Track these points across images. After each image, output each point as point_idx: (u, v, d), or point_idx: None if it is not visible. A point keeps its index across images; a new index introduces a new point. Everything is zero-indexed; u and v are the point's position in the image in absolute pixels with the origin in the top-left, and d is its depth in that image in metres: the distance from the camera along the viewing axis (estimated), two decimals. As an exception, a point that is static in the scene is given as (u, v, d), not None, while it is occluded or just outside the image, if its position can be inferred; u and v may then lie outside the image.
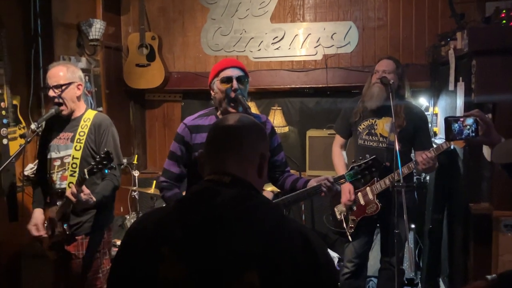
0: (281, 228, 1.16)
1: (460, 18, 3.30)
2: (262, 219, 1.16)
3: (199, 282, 1.10)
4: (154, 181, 4.06)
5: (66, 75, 2.71)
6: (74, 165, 2.69)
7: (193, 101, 4.78)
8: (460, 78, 3.17)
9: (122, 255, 1.24)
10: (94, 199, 2.57)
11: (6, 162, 2.71)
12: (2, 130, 3.17)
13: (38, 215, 2.79)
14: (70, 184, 2.65)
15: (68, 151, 2.73)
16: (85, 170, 2.46)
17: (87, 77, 3.99)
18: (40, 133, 2.88)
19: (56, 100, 2.71)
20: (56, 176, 2.75)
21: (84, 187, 2.50)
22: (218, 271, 1.09)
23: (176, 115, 4.90)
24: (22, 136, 3.08)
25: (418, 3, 4.26)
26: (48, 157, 2.78)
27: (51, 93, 2.70)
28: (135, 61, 4.52)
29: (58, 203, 2.73)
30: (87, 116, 2.78)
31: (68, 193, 2.50)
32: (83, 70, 3.91)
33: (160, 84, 4.54)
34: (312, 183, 2.38)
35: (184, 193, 2.53)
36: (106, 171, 2.50)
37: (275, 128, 2.63)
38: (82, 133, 2.72)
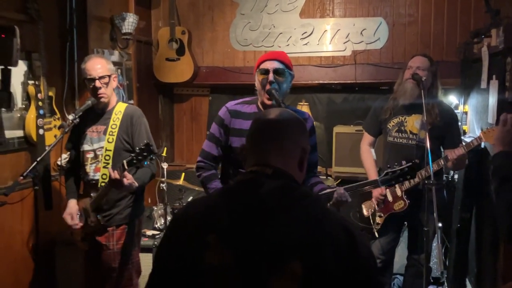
0: (325, 220, 1.18)
1: (495, 14, 3.24)
2: (306, 210, 1.19)
3: (244, 269, 1.13)
4: (183, 173, 4.12)
5: (107, 66, 2.78)
6: (107, 157, 2.76)
7: (220, 96, 4.81)
8: (494, 76, 3.12)
9: (167, 242, 1.27)
10: (137, 184, 2.62)
11: (44, 153, 2.79)
12: (38, 120, 3.26)
13: (72, 205, 2.87)
14: (104, 175, 2.72)
15: (101, 144, 2.79)
16: (125, 162, 2.51)
17: (119, 70, 4.06)
18: (76, 125, 2.96)
19: (102, 90, 2.75)
20: (89, 168, 2.81)
21: (126, 173, 2.55)
22: (262, 259, 1.12)
23: (204, 109, 4.95)
24: (59, 127, 3.16)
25: (450, -1, 4.21)
26: (81, 149, 2.85)
27: (98, 84, 2.74)
28: (165, 55, 4.58)
29: (92, 194, 2.80)
30: (118, 109, 2.84)
31: (113, 174, 2.53)
32: (116, 63, 4.02)
33: (189, 78, 4.59)
34: (328, 190, 2.37)
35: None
36: (146, 163, 2.55)
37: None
38: (114, 126, 2.78)
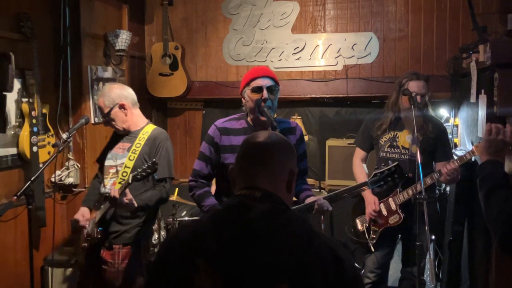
0: (312, 242, 1.21)
1: (482, 30, 3.31)
2: (294, 233, 1.22)
3: None
4: (176, 189, 4.13)
5: (105, 102, 2.81)
6: (124, 174, 2.76)
7: (214, 110, 4.85)
8: (482, 91, 3.17)
9: (157, 266, 1.29)
10: (136, 204, 2.60)
11: (38, 172, 2.79)
12: (32, 138, 3.27)
13: (84, 209, 2.89)
14: (111, 187, 2.72)
15: (123, 160, 2.82)
16: (130, 175, 2.54)
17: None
18: (70, 142, 2.98)
19: (110, 126, 2.87)
20: (107, 181, 2.83)
21: (127, 192, 2.55)
22: (251, 282, 1.15)
23: (197, 123, 4.98)
24: (54, 145, 3.17)
25: (439, 15, 4.28)
26: (106, 164, 2.89)
27: (105, 123, 2.89)
28: (158, 70, 4.61)
29: (102, 206, 2.80)
30: (146, 130, 2.87)
31: (112, 193, 2.56)
32: (109, 80, 4.04)
33: (182, 93, 4.62)
34: (310, 199, 2.41)
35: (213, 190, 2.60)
36: (155, 176, 2.61)
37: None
38: (138, 145, 2.81)
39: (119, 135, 2.92)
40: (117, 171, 2.82)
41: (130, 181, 2.52)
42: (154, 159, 2.56)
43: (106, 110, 2.81)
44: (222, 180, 2.54)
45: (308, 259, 1.16)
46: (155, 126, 2.93)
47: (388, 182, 2.45)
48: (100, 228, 2.76)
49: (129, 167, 2.76)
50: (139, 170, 2.53)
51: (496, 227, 1.64)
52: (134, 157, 2.78)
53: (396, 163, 2.43)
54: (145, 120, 2.95)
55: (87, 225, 2.82)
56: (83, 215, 2.85)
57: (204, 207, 2.47)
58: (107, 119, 2.83)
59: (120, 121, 2.84)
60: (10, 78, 1.62)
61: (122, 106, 2.83)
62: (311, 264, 1.15)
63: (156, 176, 2.73)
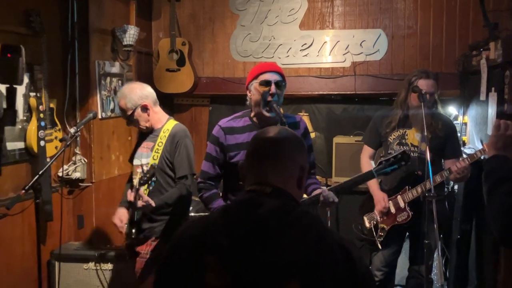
0: (322, 239, 1.20)
1: (494, 27, 3.28)
2: (304, 230, 1.21)
3: None
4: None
5: (127, 105, 2.83)
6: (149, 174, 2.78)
7: (220, 106, 4.84)
8: (493, 89, 3.15)
9: (167, 262, 1.27)
10: (153, 205, 2.62)
11: (46, 166, 2.80)
12: (40, 132, 3.27)
13: (121, 211, 2.90)
14: (144, 191, 2.76)
15: (148, 160, 2.84)
16: (137, 180, 2.60)
17: (120, 82, 4.08)
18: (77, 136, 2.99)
19: (134, 126, 2.91)
20: (136, 181, 2.83)
21: (142, 194, 2.59)
22: (262, 279, 1.13)
23: (204, 119, 4.96)
24: (61, 140, 3.17)
25: (449, 12, 4.25)
26: (134, 163, 2.92)
27: (128, 123, 2.90)
28: (165, 66, 4.60)
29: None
30: (167, 127, 2.88)
31: (128, 197, 2.62)
32: (116, 75, 4.03)
33: (189, 89, 4.60)
34: (316, 192, 2.42)
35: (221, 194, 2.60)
36: (153, 183, 2.65)
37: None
38: (160, 144, 2.82)
39: (144, 134, 2.93)
40: (143, 171, 2.83)
41: (137, 186, 2.57)
42: (154, 163, 2.63)
43: (129, 112, 2.82)
44: (229, 178, 2.54)
45: (318, 256, 1.15)
46: (175, 122, 2.93)
47: (394, 170, 2.44)
48: (133, 229, 2.77)
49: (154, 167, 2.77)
50: (142, 175, 2.60)
51: (497, 219, 1.63)
52: (157, 156, 2.80)
53: (403, 149, 2.41)
54: (166, 116, 2.95)
55: (124, 229, 2.84)
56: (121, 219, 2.86)
57: (212, 209, 2.48)
58: (131, 120, 2.84)
59: (143, 120, 2.86)
60: (20, 71, 1.62)
61: (144, 107, 2.84)
62: (321, 261, 1.15)
63: (177, 174, 2.77)
